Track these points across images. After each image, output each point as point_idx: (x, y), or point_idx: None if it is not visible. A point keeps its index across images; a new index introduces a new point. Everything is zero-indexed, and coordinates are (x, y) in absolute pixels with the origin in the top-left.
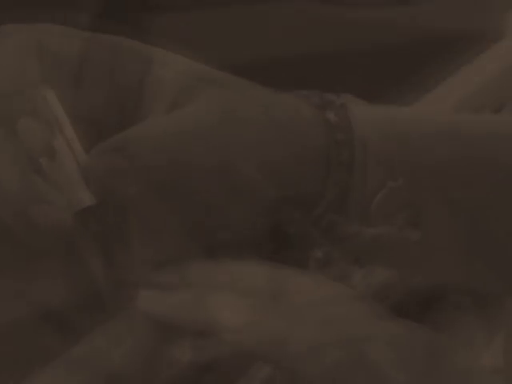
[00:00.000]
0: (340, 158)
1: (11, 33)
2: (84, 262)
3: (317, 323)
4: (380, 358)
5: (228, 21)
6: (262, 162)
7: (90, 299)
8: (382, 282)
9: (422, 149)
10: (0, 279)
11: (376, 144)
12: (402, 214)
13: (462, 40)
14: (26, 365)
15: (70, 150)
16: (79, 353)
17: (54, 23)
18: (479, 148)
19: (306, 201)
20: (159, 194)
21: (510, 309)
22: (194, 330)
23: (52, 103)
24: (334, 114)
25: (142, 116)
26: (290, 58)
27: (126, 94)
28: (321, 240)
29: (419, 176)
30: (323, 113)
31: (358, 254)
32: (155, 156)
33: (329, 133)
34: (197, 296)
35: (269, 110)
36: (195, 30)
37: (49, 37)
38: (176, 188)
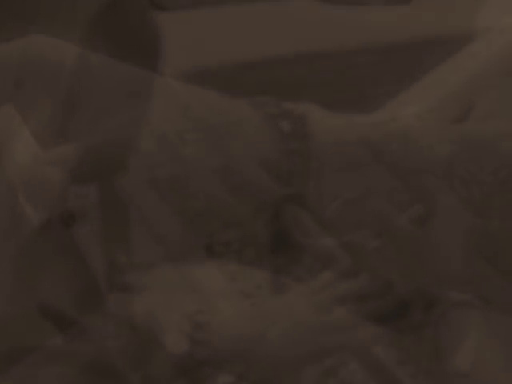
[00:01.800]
0: (293, 167)
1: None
2: (86, 262)
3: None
4: (385, 357)
5: (229, 20)
6: (222, 165)
7: (89, 297)
8: (343, 287)
9: (417, 155)
10: (4, 275)
11: (335, 154)
12: (405, 213)
13: (463, 39)
14: (23, 355)
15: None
16: (56, 346)
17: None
18: (483, 147)
19: (260, 208)
20: (161, 194)
21: (479, 315)
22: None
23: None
24: (288, 123)
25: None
26: (290, 56)
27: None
28: (274, 248)
29: (423, 176)
30: (278, 122)
31: (313, 262)
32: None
33: (282, 142)
34: (166, 298)
35: (224, 118)
36: (195, 29)
37: (39, 47)
38: (178, 187)
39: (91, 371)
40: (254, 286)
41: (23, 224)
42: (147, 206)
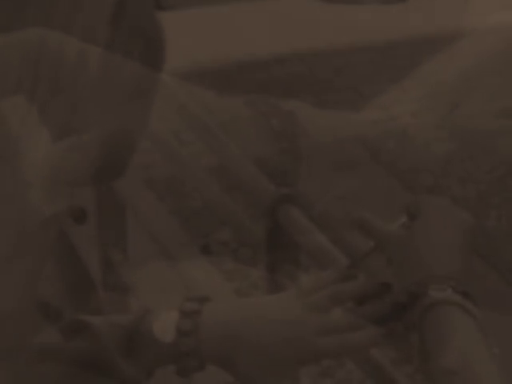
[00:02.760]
0: (283, 166)
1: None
2: (81, 263)
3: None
4: (381, 357)
5: (225, 19)
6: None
7: (85, 295)
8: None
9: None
10: (3, 274)
11: (331, 152)
12: (401, 214)
13: (458, 37)
14: (20, 351)
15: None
16: (52, 344)
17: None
18: (478, 144)
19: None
20: (157, 193)
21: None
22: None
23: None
24: (279, 121)
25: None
26: (287, 55)
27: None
28: (270, 248)
29: (416, 175)
30: (268, 120)
31: (309, 262)
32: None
33: (273, 141)
34: (162, 296)
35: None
36: (191, 28)
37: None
38: (174, 187)
39: (86, 368)
40: (250, 285)
41: (33, 216)
42: (143, 206)
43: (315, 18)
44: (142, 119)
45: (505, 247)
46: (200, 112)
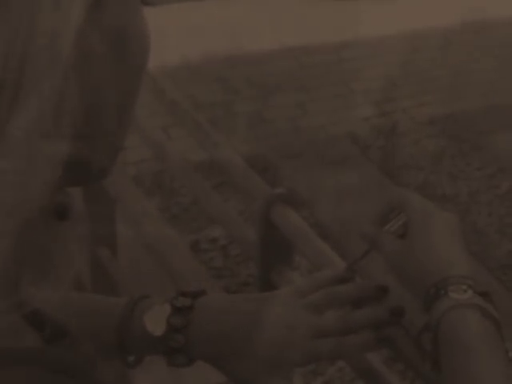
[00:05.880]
0: (280, 163)
1: None
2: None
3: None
4: (373, 356)
5: (215, 14)
6: None
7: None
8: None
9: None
10: None
11: (324, 149)
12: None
13: (451, 34)
14: None
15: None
16: (30, 347)
17: None
18: (469, 141)
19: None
20: (146, 190)
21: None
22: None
23: None
24: (277, 120)
25: None
26: (277, 51)
27: None
28: (262, 247)
29: (407, 172)
30: (265, 118)
31: (303, 263)
32: None
33: (270, 139)
34: (150, 293)
35: None
36: (181, 23)
37: None
38: (163, 183)
39: (66, 374)
40: (240, 283)
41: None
42: (132, 202)
43: (305, 14)
44: (123, 116)
45: (495, 244)
46: (189, 107)
